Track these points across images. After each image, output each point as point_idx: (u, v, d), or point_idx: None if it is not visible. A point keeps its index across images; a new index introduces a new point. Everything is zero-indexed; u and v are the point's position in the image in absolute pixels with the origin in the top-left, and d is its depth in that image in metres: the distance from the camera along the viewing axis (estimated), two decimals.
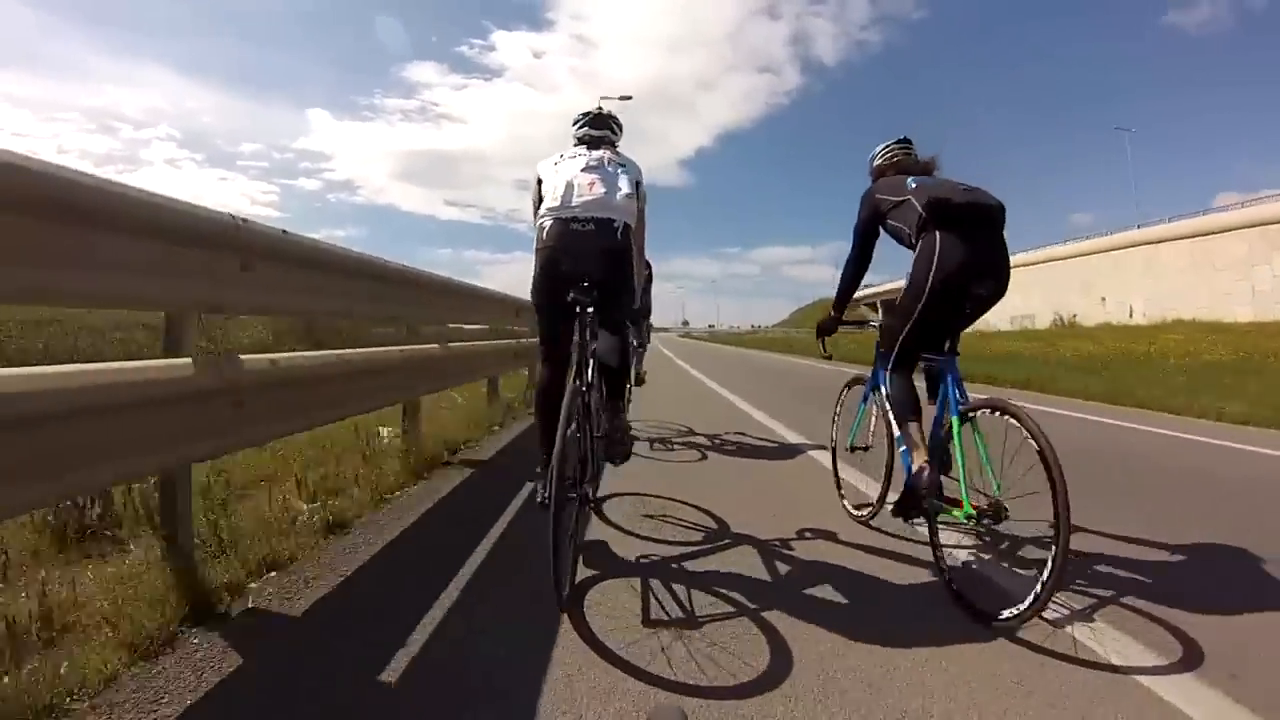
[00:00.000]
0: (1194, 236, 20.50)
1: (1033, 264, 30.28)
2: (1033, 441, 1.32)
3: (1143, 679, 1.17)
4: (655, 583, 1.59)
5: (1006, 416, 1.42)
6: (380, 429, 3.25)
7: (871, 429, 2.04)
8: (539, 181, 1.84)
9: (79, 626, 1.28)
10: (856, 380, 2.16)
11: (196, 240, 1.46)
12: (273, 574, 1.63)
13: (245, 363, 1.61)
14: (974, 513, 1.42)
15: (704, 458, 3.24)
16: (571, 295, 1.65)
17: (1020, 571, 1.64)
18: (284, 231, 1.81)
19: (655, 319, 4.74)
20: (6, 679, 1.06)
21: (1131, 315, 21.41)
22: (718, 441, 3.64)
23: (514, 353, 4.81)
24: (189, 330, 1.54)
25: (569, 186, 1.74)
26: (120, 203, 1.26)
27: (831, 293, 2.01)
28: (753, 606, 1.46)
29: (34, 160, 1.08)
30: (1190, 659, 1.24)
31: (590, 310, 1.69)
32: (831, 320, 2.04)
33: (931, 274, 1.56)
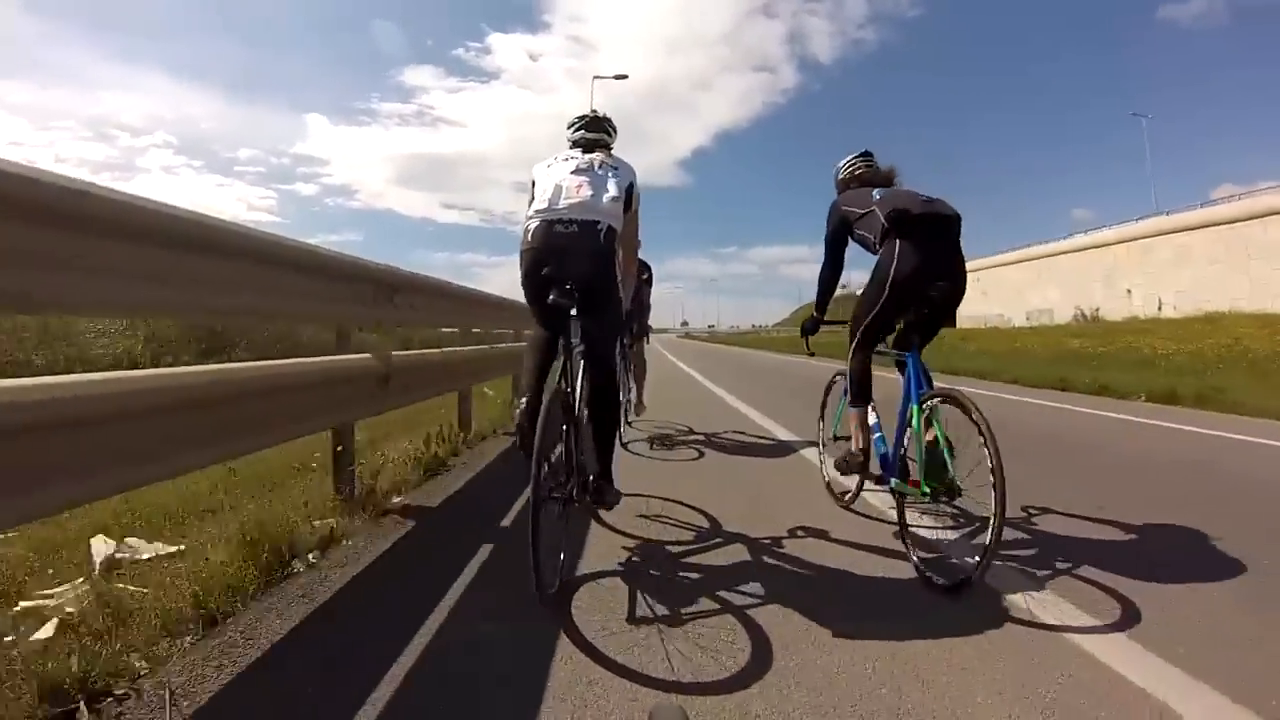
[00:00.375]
0: (1230, 223, 19.57)
1: (1048, 256, 29.23)
2: (977, 429, 1.50)
3: (1073, 636, 1.33)
4: (643, 580, 1.64)
5: (955, 407, 1.60)
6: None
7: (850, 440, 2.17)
8: (533, 184, 1.87)
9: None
10: (840, 374, 2.30)
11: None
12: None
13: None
14: (929, 491, 1.65)
15: (701, 455, 3.36)
16: (552, 297, 1.68)
17: (970, 543, 1.84)
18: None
19: (654, 320, 4.80)
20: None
21: (1160, 308, 20.47)
22: (716, 440, 3.76)
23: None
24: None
25: (557, 189, 1.78)
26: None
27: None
28: (738, 604, 1.50)
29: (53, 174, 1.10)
30: (1125, 622, 1.39)
31: (573, 312, 1.72)
32: (813, 321, 2.27)
33: (891, 276, 1.79)
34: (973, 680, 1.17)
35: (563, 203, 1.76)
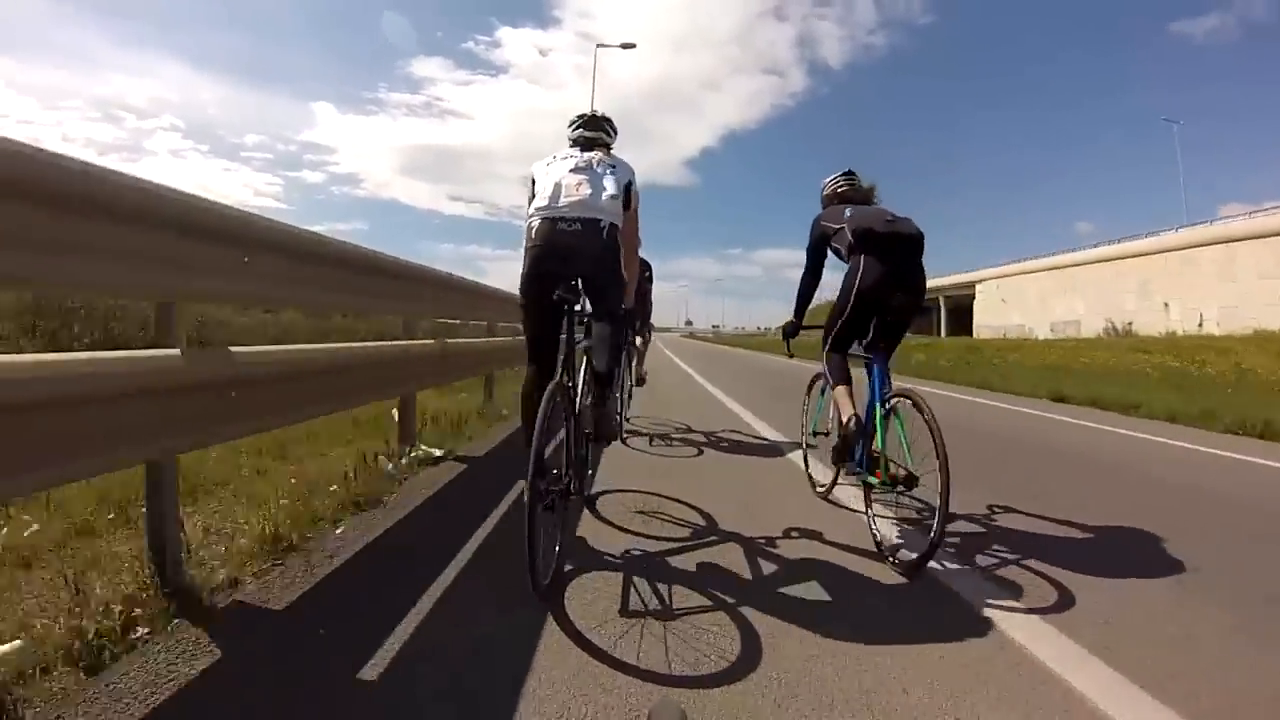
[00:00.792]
0: None
1: (1073, 265, 27.98)
2: (927, 425, 1.73)
3: (996, 616, 1.52)
4: (637, 575, 1.69)
5: (912, 404, 1.85)
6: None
7: (830, 417, 2.35)
8: (532, 182, 1.91)
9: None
10: (819, 376, 2.48)
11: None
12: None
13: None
14: (890, 482, 1.89)
15: (700, 453, 3.49)
16: (557, 294, 1.72)
17: (926, 532, 1.94)
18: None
19: (657, 319, 4.89)
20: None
21: (1202, 324, 19.39)
22: (713, 439, 3.92)
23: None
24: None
25: (557, 187, 1.81)
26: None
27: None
28: (730, 600, 1.55)
29: (40, 150, 1.14)
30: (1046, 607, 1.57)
31: (576, 309, 1.77)
32: (793, 325, 2.52)
33: (856, 287, 2.03)
34: (941, 671, 1.23)
35: (563, 201, 1.79)
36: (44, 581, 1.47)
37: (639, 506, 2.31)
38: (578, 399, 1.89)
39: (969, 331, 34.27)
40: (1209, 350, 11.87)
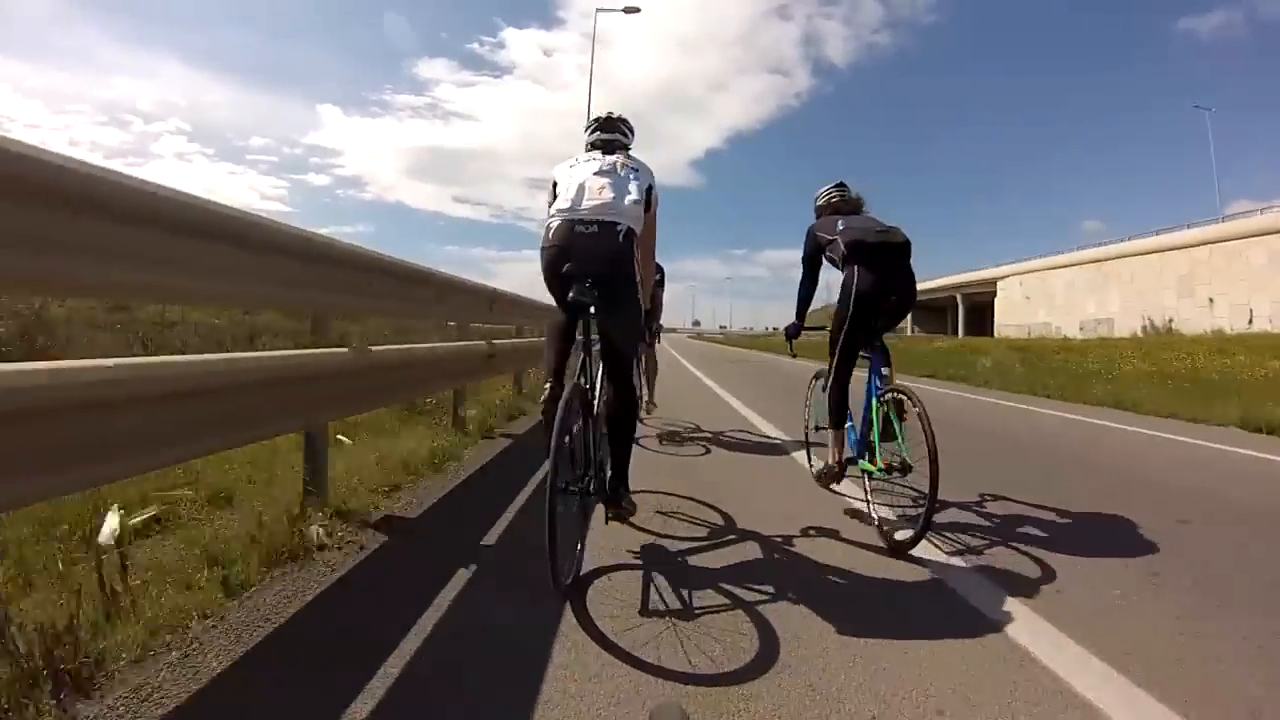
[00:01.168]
0: None
1: (1104, 260, 26.84)
2: (919, 418, 1.91)
3: (962, 591, 1.69)
4: (656, 574, 1.74)
5: (906, 399, 2.05)
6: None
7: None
8: (554, 184, 1.94)
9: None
10: (820, 374, 2.69)
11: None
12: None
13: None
14: (884, 469, 2.10)
15: (708, 451, 3.64)
16: (573, 295, 1.76)
17: (915, 512, 2.13)
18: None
19: (665, 319, 4.97)
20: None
21: (1252, 321, 18.29)
22: (721, 438, 4.07)
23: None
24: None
25: (580, 189, 1.84)
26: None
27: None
28: (747, 599, 1.60)
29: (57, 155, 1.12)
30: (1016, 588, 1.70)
31: (591, 310, 1.80)
32: (795, 326, 2.76)
33: (853, 293, 2.24)
34: (940, 664, 1.27)
35: (585, 203, 1.83)
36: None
37: (657, 506, 2.36)
38: (595, 400, 1.92)
39: (989, 331, 33.48)
40: None
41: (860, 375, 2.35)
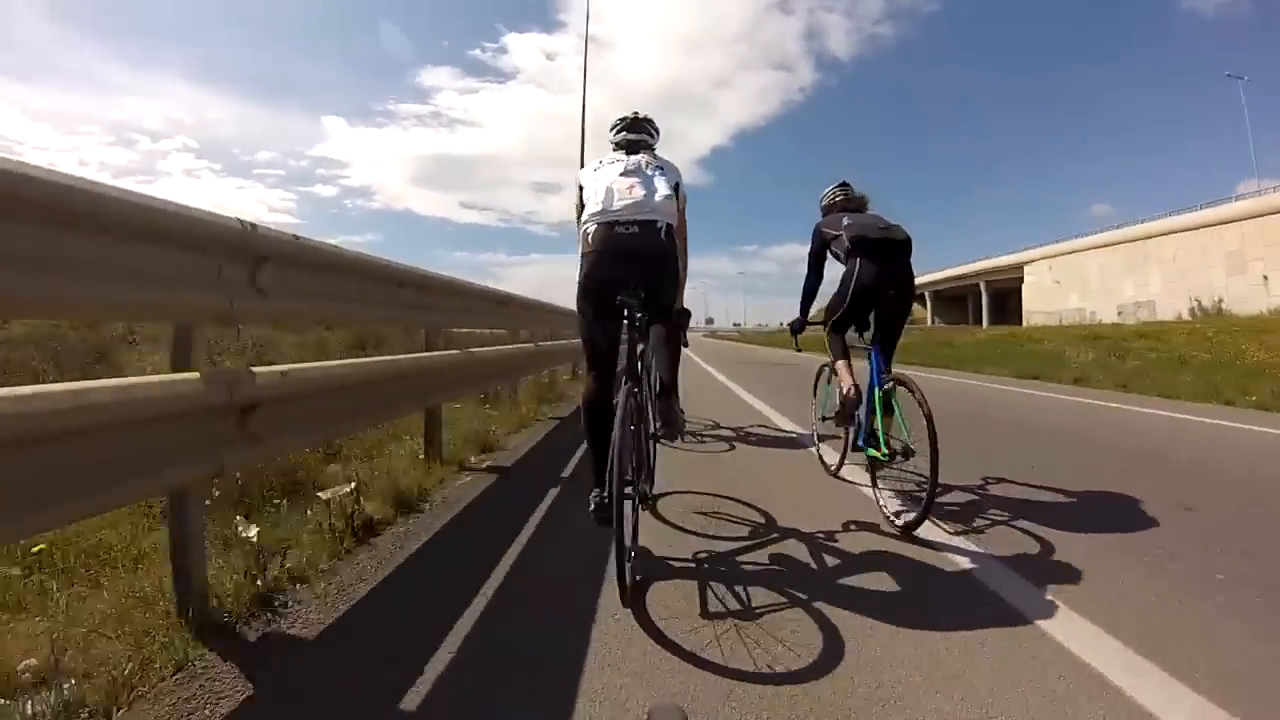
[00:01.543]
0: None
1: (1142, 239, 25.51)
2: (920, 406, 2.03)
3: (964, 562, 1.82)
4: (710, 576, 1.75)
5: (906, 389, 2.17)
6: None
7: (838, 402, 2.66)
8: (580, 189, 1.94)
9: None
10: (826, 365, 2.86)
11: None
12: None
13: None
14: (888, 454, 2.23)
15: (732, 448, 3.74)
16: (619, 298, 1.74)
17: (918, 494, 2.24)
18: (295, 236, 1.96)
19: None
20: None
21: None
22: (742, 433, 4.19)
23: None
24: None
25: (609, 191, 1.83)
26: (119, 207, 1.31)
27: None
28: (803, 597, 1.61)
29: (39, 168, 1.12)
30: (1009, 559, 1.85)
31: (639, 313, 1.78)
32: (799, 322, 2.89)
33: (852, 286, 2.41)
34: (981, 664, 1.26)
35: (617, 204, 1.81)
36: None
37: (699, 507, 2.40)
38: (646, 404, 1.91)
39: (1016, 319, 32.60)
40: None
41: (863, 368, 2.46)
